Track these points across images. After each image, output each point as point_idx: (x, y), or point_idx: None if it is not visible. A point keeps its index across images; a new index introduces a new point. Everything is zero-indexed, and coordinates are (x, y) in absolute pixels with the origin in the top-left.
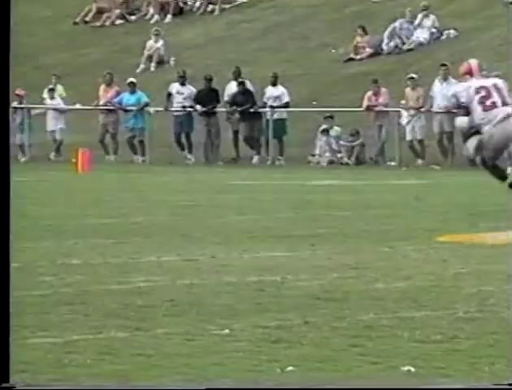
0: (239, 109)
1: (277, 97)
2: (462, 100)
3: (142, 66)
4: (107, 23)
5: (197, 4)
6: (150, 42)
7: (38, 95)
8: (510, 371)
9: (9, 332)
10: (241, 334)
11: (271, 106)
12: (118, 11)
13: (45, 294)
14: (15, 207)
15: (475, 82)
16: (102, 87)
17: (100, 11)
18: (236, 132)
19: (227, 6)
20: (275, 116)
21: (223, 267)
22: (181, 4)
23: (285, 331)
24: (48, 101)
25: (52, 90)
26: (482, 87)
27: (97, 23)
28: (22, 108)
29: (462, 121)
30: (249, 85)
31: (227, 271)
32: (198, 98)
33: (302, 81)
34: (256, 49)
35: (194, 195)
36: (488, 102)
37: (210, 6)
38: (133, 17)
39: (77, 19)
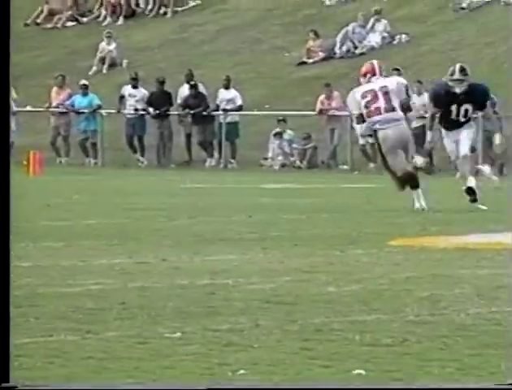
0: (191, 112)
1: (230, 100)
2: (350, 106)
3: (94, 68)
4: (59, 25)
5: (150, 7)
6: (103, 44)
7: None
8: (510, 371)
9: (9, 333)
10: (193, 337)
11: (224, 110)
12: (69, 13)
13: None
14: None
15: (364, 86)
16: (54, 89)
17: (51, 13)
18: (188, 135)
19: (179, 8)
20: (228, 119)
21: (175, 270)
22: (133, 6)
23: (236, 334)
24: None
25: None
26: (369, 91)
27: (49, 25)
28: None
29: (360, 128)
30: (201, 88)
31: (179, 274)
32: (151, 101)
33: (255, 84)
34: (209, 52)
35: (146, 198)
36: (373, 107)
37: (163, 9)
38: (85, 19)
39: (28, 21)
